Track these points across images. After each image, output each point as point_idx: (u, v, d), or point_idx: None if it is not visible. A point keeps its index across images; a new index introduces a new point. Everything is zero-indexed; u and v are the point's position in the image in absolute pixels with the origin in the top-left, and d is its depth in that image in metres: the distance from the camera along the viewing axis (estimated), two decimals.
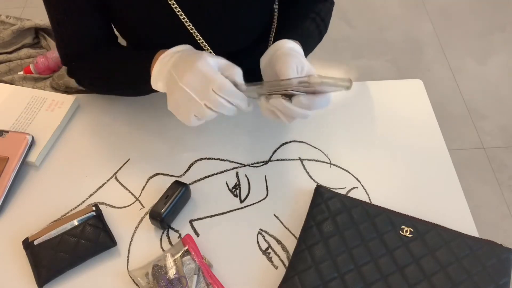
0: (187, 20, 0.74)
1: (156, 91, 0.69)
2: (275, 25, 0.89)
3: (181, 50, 0.67)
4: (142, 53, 0.71)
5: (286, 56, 0.65)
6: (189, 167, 0.78)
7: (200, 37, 0.77)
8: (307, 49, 0.76)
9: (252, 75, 0.88)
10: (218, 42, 0.79)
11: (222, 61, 0.64)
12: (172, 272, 0.64)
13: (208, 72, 0.60)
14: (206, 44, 0.78)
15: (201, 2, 0.74)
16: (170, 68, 0.64)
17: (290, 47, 0.68)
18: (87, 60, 0.79)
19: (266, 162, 0.79)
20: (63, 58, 0.80)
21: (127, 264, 0.67)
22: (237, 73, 0.63)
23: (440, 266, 0.63)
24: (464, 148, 1.78)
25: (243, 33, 0.84)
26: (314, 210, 0.70)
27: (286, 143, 0.81)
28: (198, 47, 0.76)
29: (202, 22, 0.76)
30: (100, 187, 0.76)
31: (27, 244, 0.67)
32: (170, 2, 0.71)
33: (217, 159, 0.79)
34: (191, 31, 0.75)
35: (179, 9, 0.72)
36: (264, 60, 0.70)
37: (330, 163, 0.78)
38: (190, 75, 0.60)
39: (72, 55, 0.80)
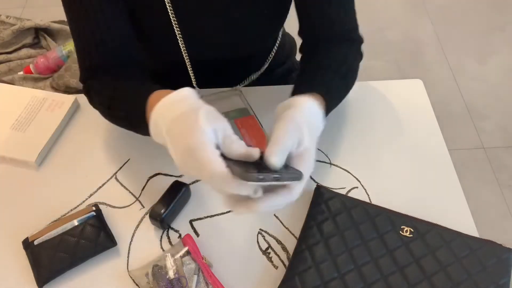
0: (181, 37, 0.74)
1: None
2: (275, 51, 0.90)
3: (173, 107, 0.56)
4: (138, 107, 0.62)
5: (288, 122, 0.56)
6: None
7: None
8: (333, 104, 0.71)
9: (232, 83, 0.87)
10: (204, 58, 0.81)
11: (220, 127, 0.53)
12: (172, 272, 0.64)
13: (200, 158, 0.50)
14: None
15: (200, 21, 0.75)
16: (165, 136, 0.55)
17: (306, 107, 0.60)
18: (104, 80, 0.72)
19: None
20: (81, 72, 0.74)
21: (127, 264, 0.67)
22: (236, 147, 0.52)
23: (440, 266, 0.63)
24: (464, 148, 1.78)
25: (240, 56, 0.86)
26: (314, 210, 0.70)
27: None
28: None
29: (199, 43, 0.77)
30: (100, 187, 0.76)
31: (27, 244, 0.67)
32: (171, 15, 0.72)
33: None
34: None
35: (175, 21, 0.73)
36: (278, 109, 0.63)
37: (330, 163, 0.78)
38: (183, 159, 0.52)
39: (91, 68, 0.73)
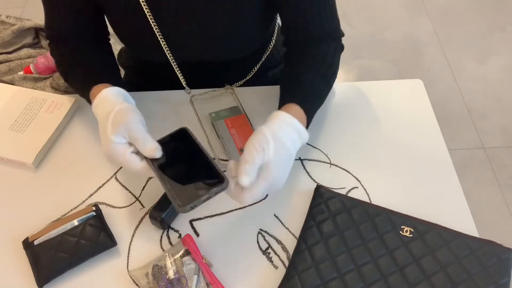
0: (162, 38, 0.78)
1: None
2: (268, 53, 0.92)
3: (101, 103, 0.67)
4: (87, 81, 0.74)
5: (257, 136, 0.61)
6: None
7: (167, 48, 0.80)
8: (315, 107, 0.75)
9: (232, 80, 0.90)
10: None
11: (123, 130, 0.61)
12: (172, 272, 0.64)
13: (119, 162, 0.62)
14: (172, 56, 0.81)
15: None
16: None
17: (276, 122, 0.64)
18: (64, 50, 0.81)
19: None
20: (47, 37, 0.83)
21: (127, 264, 0.67)
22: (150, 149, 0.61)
23: (440, 266, 0.63)
24: (464, 148, 1.78)
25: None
26: (314, 210, 0.70)
27: None
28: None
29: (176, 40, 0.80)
30: (100, 187, 0.76)
31: (27, 244, 0.67)
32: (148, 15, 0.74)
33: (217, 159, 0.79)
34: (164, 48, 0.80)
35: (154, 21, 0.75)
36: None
37: (330, 163, 0.78)
38: (109, 160, 0.64)
39: (54, 38, 0.82)
